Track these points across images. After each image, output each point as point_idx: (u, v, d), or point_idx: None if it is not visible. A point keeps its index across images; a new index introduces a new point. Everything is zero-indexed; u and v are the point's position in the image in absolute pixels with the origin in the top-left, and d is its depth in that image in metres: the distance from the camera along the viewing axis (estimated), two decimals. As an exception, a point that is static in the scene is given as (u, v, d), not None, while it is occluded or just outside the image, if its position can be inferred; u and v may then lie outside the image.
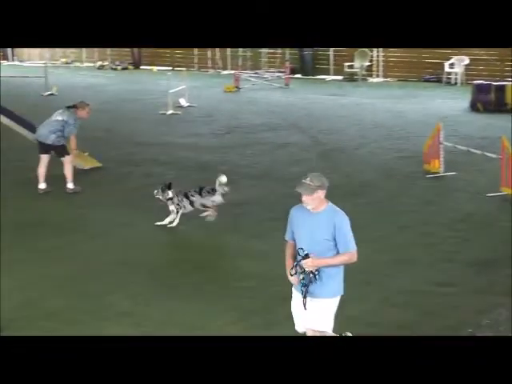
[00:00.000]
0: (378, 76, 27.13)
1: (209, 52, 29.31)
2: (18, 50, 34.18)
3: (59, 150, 11.98)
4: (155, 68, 30.38)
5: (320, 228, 5.72)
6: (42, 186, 12.03)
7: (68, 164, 11.98)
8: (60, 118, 11.94)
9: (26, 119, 14.30)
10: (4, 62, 33.44)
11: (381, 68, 27.12)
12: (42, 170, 11.99)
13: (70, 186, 11.97)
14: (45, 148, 12.03)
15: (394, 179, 12.73)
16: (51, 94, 22.94)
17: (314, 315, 5.81)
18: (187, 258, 9.07)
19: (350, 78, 26.65)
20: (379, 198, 11.58)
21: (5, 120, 14.19)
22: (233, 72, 26.46)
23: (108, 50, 30.56)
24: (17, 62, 33.65)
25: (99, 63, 31.18)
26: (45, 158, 12.04)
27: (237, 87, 24.56)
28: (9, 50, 34.12)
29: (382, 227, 10.12)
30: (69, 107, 12.11)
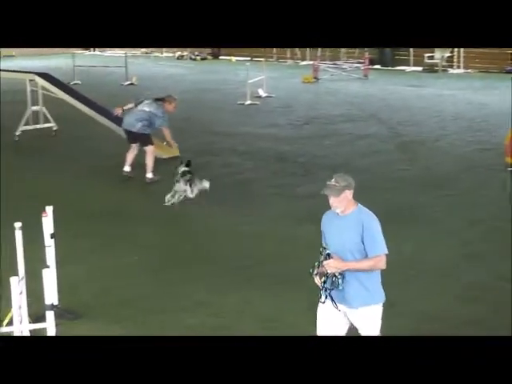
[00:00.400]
0: (458, 67, 26.68)
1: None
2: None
3: (143, 139, 12.21)
4: (234, 58, 30.48)
5: (349, 230, 5.41)
6: (127, 168, 12.35)
7: (150, 154, 12.20)
8: (147, 109, 12.18)
9: (106, 109, 14.48)
10: (85, 52, 33.99)
11: (462, 59, 26.64)
12: (130, 156, 12.37)
13: (150, 175, 12.15)
14: (132, 136, 12.33)
15: (474, 171, 12.47)
16: (131, 84, 23.22)
17: (360, 324, 5.59)
18: (263, 250, 9.04)
19: (430, 68, 26.25)
20: (459, 191, 11.36)
21: (85, 109, 14.42)
22: (311, 63, 26.35)
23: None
24: (98, 52, 34.15)
25: (178, 53, 31.43)
26: (134, 147, 12.36)
27: (315, 78, 24.43)
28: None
29: (457, 220, 9.92)
30: (157, 99, 12.33)
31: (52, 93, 15.01)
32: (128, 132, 12.38)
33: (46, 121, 15.28)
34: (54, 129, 15.34)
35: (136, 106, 12.40)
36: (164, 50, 32.17)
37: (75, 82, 22.87)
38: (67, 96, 14.72)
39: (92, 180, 12.08)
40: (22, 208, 10.08)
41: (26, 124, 15.05)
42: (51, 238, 6.65)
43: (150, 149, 12.26)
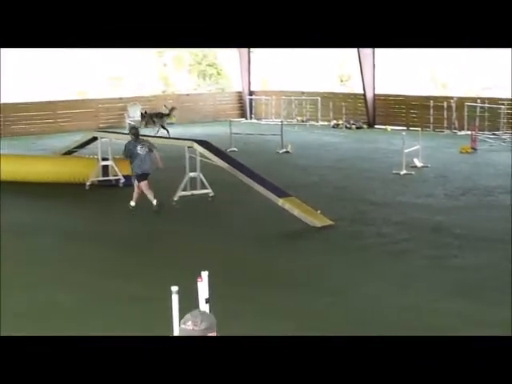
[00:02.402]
0: None
1: (445, 112, 28.87)
2: (255, 109, 35.45)
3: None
4: (389, 127, 30.36)
5: None
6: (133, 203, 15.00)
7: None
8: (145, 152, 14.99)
9: (262, 176, 14.69)
10: (242, 120, 34.83)
11: None
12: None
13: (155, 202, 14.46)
14: (146, 176, 14.96)
15: None
16: (286, 152, 23.49)
17: None
18: (412, 322, 8.78)
19: None
20: None
21: (241, 176, 14.65)
22: (469, 133, 25.85)
23: (343, 109, 30.92)
24: (254, 120, 34.89)
25: (334, 122, 31.62)
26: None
27: (473, 148, 23.92)
28: (247, 109, 35.50)
29: None
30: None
31: (209, 159, 15.38)
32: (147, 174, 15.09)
33: (203, 187, 15.65)
34: (211, 195, 15.68)
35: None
36: (320, 117, 32.46)
37: (232, 149, 23.37)
38: (224, 163, 15.03)
39: (248, 246, 12.21)
40: (178, 272, 10.31)
41: (184, 190, 15.45)
42: (206, 303, 6.71)
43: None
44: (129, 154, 15.23)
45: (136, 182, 15.22)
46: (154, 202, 14.82)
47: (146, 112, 22.88)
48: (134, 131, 15.73)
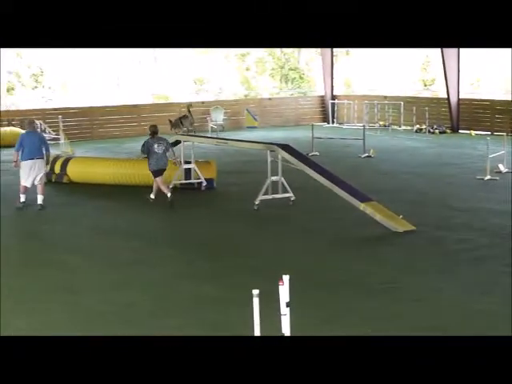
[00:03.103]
0: None
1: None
2: (337, 114, 35.39)
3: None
4: (473, 132, 29.92)
5: None
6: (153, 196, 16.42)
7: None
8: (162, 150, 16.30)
9: (343, 180, 14.69)
10: (324, 124, 34.81)
11: None
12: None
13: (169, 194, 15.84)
14: (162, 172, 16.31)
15: None
16: (368, 156, 23.40)
17: None
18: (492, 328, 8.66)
19: None
20: None
21: (322, 180, 14.67)
22: (556, 137, 25.29)
23: (426, 114, 30.60)
24: (336, 125, 34.83)
25: (417, 126, 31.33)
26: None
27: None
28: (330, 113, 35.47)
29: None
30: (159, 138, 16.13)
31: (291, 164, 15.45)
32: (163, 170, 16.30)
33: (285, 191, 15.73)
34: (292, 199, 15.75)
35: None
36: (402, 122, 32.19)
37: (314, 153, 23.41)
38: (305, 167, 15.07)
39: (329, 250, 12.23)
40: (259, 275, 10.42)
41: (265, 193, 15.56)
42: (286, 306, 6.78)
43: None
44: (146, 151, 16.32)
45: (155, 178, 16.36)
46: (169, 194, 16.02)
47: (171, 120, 23.44)
48: (153, 129, 16.65)
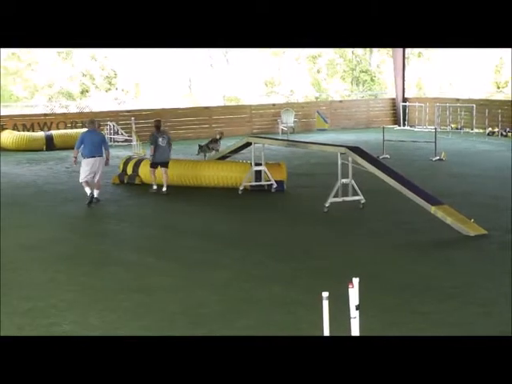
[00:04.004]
0: None
1: None
2: (409, 116, 35.10)
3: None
4: (548, 135, 29.40)
5: None
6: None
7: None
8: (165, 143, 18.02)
9: (414, 183, 14.59)
10: (395, 127, 34.58)
11: None
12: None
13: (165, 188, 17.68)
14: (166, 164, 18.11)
15: None
16: (440, 159, 23.17)
17: None
18: None
19: None
20: None
21: (393, 183, 14.59)
22: None
23: (499, 117, 30.13)
24: (407, 127, 34.56)
25: (489, 129, 30.89)
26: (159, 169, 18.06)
27: None
28: (401, 116, 35.21)
29: None
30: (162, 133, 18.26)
31: (362, 166, 15.41)
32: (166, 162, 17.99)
33: (355, 193, 15.69)
34: (362, 202, 15.70)
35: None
36: (474, 125, 31.76)
37: (384, 155, 23.28)
38: (376, 169, 15.01)
39: (399, 254, 12.16)
40: (329, 278, 10.43)
41: (335, 196, 15.55)
42: (356, 309, 6.79)
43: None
44: (154, 143, 17.87)
45: (152, 169, 18.10)
46: (165, 188, 17.84)
47: (200, 145, 23.68)
48: (157, 123, 18.22)
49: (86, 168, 16.41)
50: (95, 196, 16.47)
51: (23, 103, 40.51)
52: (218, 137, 23.42)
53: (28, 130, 29.39)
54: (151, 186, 18.15)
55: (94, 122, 17.33)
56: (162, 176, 17.97)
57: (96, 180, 16.51)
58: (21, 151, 27.39)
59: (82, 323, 8.86)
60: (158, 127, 18.09)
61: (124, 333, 8.39)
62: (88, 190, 16.46)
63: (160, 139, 17.84)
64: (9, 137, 28.25)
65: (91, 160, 16.37)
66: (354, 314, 6.82)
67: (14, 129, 29.20)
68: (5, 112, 32.02)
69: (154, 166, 18.00)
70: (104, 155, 16.59)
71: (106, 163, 16.89)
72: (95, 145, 16.44)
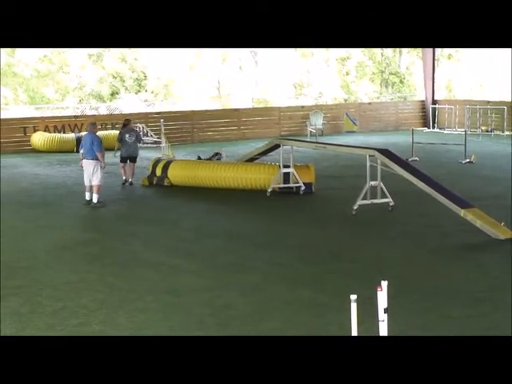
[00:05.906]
0: None
1: None
2: (438, 118, 34.93)
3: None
4: None
5: None
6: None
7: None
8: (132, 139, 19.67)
9: (444, 186, 14.52)
10: (424, 129, 34.43)
11: None
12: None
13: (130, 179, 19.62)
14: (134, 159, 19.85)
15: None
16: (469, 162, 23.03)
17: None
18: None
19: None
20: None
21: (422, 185, 14.53)
22: None
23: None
24: (437, 130, 34.40)
25: (519, 132, 30.69)
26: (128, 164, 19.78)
27: None
28: (430, 118, 35.04)
29: None
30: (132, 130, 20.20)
31: (390, 169, 15.36)
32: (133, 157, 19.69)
33: (383, 196, 15.64)
34: (391, 204, 15.65)
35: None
36: (505, 128, 31.53)
37: (413, 158, 23.20)
38: (405, 172, 14.95)
39: (428, 257, 12.10)
40: (357, 280, 10.42)
41: (364, 198, 15.52)
42: (384, 312, 6.78)
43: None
44: (120, 140, 19.63)
45: (121, 163, 19.73)
46: (130, 179, 19.60)
47: (200, 157, 23.86)
48: (125, 122, 20.12)
49: (84, 170, 16.73)
50: (93, 201, 16.63)
51: (54, 105, 40.85)
52: (221, 151, 23.99)
53: (59, 132, 29.70)
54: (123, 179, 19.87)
55: (93, 124, 17.55)
56: (130, 169, 19.67)
57: (93, 183, 16.58)
58: (52, 152, 27.75)
59: (110, 323, 8.94)
60: (125, 125, 19.91)
61: (152, 333, 8.45)
62: (87, 196, 16.75)
63: (127, 135, 19.53)
64: (40, 138, 28.64)
65: (85, 162, 16.68)
66: (383, 317, 6.81)
67: (45, 130, 29.57)
68: (37, 114, 32.34)
69: (122, 160, 19.71)
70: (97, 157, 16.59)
71: (101, 165, 16.68)
72: (87, 147, 16.57)
